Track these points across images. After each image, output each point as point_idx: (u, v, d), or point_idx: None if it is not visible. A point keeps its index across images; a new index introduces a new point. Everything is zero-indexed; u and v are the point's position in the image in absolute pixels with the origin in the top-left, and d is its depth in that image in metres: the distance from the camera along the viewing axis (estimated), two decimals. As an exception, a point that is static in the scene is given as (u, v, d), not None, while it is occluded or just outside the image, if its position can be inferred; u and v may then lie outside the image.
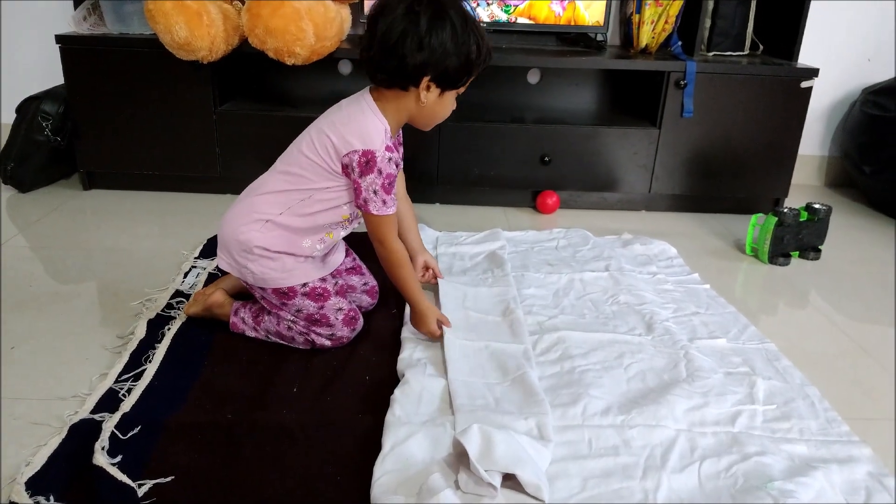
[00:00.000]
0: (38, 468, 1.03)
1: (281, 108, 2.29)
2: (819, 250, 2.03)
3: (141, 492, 1.00)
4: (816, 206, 1.99)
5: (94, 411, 1.17)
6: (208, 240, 1.90)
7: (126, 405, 1.19)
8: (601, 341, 1.46)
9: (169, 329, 1.44)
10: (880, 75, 2.63)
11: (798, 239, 1.99)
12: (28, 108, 2.23)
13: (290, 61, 2.05)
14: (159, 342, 1.39)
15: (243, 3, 2.06)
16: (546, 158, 2.25)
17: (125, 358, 1.33)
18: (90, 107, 2.20)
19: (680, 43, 2.30)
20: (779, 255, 1.97)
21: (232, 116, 2.22)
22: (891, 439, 1.23)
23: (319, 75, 2.48)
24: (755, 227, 2.00)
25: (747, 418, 1.23)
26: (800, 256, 2.03)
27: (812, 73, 2.21)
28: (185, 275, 1.70)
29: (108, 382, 1.26)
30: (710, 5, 2.34)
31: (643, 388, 1.31)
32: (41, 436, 1.12)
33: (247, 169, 2.27)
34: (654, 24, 2.27)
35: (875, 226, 2.37)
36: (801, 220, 1.96)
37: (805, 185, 2.76)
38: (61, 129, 2.26)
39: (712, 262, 1.98)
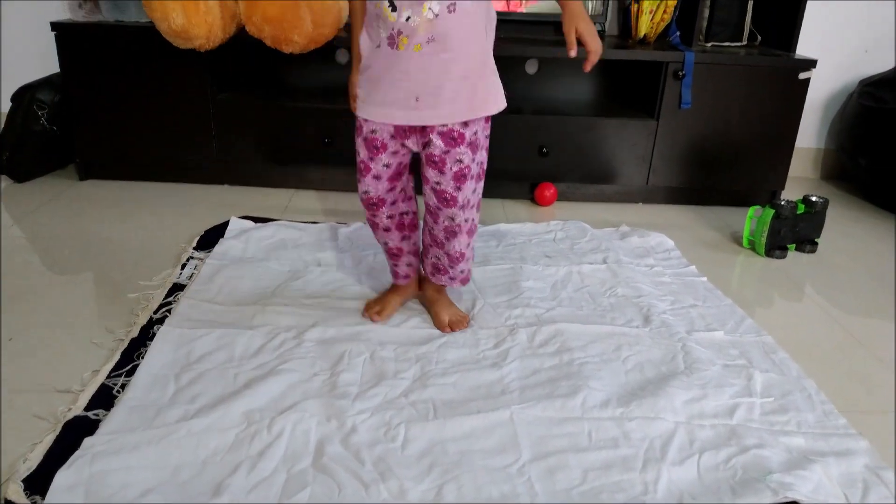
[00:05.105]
0: (34, 467, 1.02)
1: (278, 98, 2.28)
2: (816, 243, 2.04)
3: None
4: (813, 198, 1.99)
5: (87, 408, 1.16)
6: (205, 231, 1.89)
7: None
8: (599, 333, 1.47)
9: (159, 328, 1.41)
10: (878, 67, 2.63)
11: (795, 231, 1.99)
12: (23, 97, 2.21)
13: (287, 49, 2.04)
14: (150, 339, 1.37)
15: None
16: (544, 150, 2.24)
17: (116, 356, 1.32)
18: (86, 96, 2.18)
19: (678, 33, 2.29)
20: (775, 247, 1.97)
21: (229, 106, 2.21)
22: (887, 432, 1.24)
23: (317, 64, 2.46)
24: (752, 219, 2.01)
25: (745, 411, 1.24)
26: (796, 249, 2.03)
27: (810, 64, 2.21)
28: (183, 266, 1.69)
29: (101, 378, 1.25)
30: (709, -5, 2.34)
31: (642, 379, 1.32)
32: (41, 429, 1.12)
33: (244, 159, 2.29)
34: (652, 14, 2.26)
35: (870, 218, 2.38)
36: (798, 212, 1.97)
37: (800, 178, 2.77)
38: (57, 118, 2.24)
39: (709, 255, 1.98)
